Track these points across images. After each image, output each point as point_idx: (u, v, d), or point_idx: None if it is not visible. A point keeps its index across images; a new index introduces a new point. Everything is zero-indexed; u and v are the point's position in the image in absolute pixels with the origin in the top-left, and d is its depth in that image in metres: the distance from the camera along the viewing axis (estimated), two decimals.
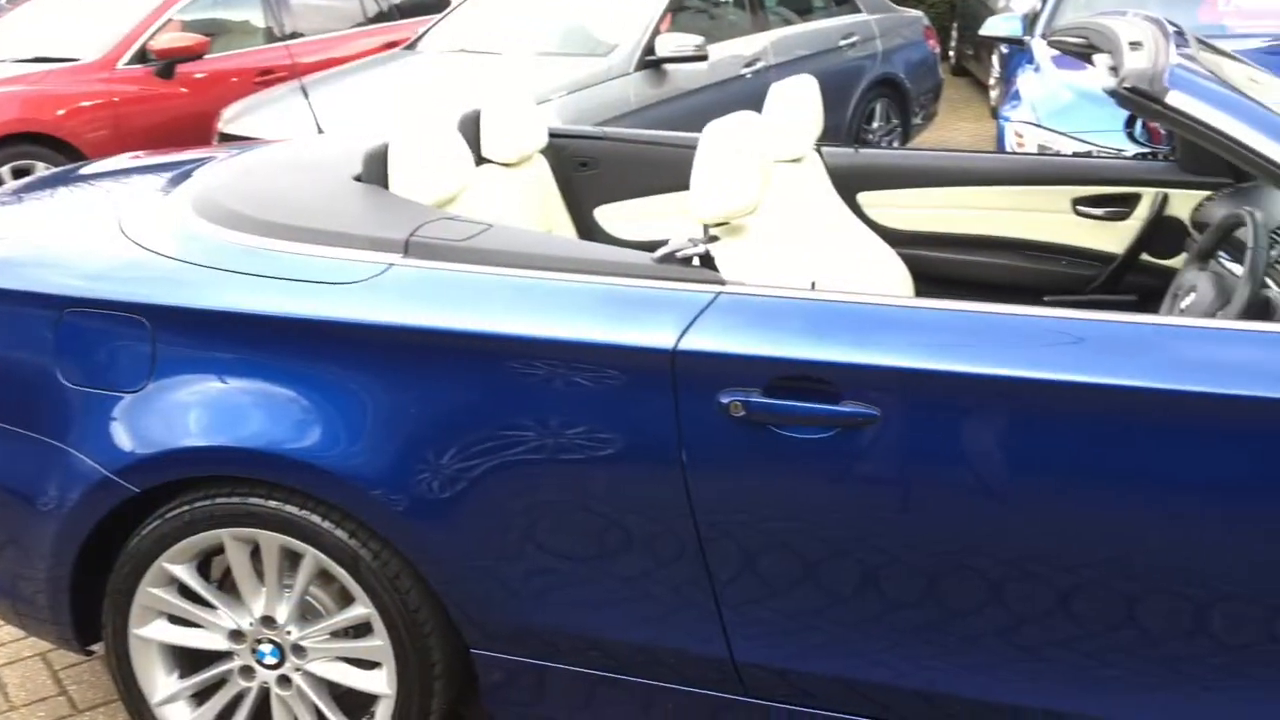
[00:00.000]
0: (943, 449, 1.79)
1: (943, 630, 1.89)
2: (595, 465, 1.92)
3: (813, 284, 2.58)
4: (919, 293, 3.03)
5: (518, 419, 1.94)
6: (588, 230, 3.29)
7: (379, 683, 2.17)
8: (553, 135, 3.21)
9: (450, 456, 1.97)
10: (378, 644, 2.13)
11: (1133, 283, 3.07)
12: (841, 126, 6.87)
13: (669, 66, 5.62)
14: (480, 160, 2.91)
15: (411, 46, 6.34)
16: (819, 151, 3.16)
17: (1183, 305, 2.32)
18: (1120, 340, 1.77)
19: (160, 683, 2.29)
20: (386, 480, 1.99)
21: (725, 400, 1.84)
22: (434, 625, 2.11)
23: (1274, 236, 2.34)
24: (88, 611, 2.29)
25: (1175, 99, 1.84)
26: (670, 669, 2.05)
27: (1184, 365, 1.73)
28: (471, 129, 2.91)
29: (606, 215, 3.28)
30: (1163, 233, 3.02)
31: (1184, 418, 1.72)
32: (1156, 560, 1.76)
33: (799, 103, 2.99)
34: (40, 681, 2.75)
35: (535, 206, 2.99)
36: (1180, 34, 2.34)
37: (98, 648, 2.39)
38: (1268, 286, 2.12)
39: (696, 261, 2.03)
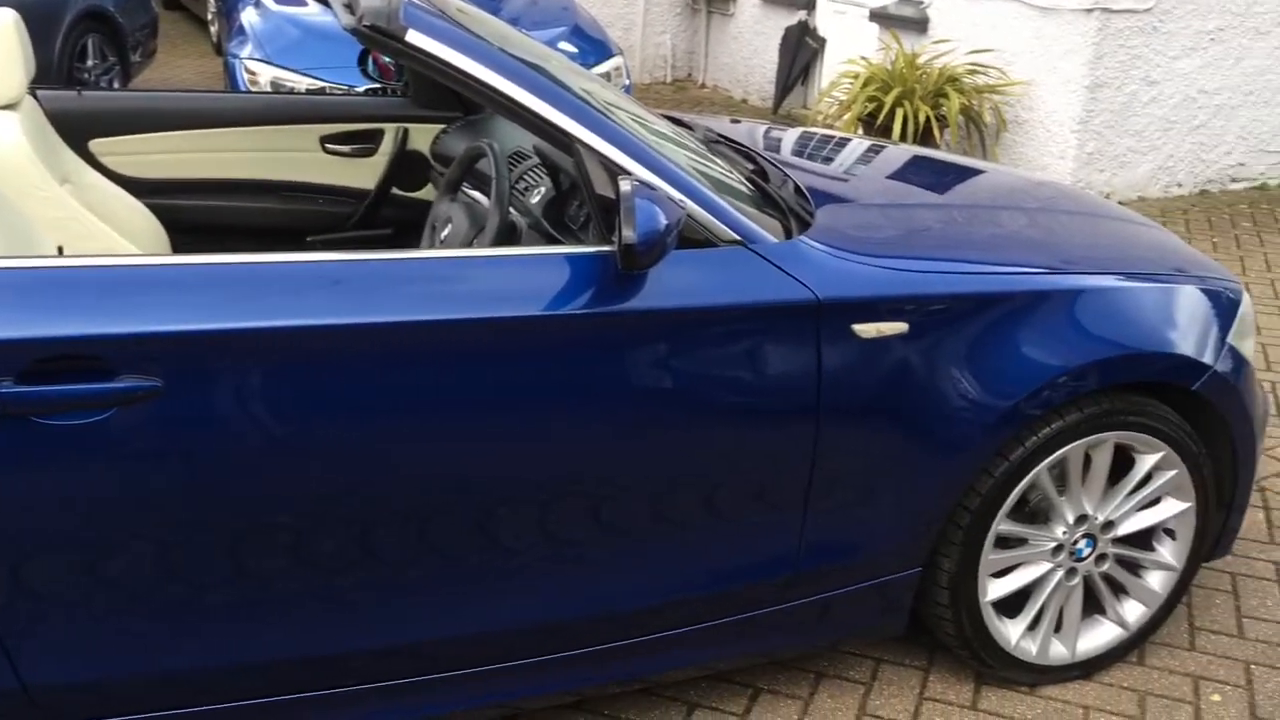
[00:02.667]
0: (233, 410, 1.70)
1: (249, 598, 1.81)
2: None
3: (60, 249, 2.28)
4: (176, 246, 2.84)
5: None
6: None
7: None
8: None
9: None
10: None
11: (388, 215, 3.17)
12: (50, 65, 6.17)
13: None
14: None
15: None
16: (34, 95, 2.79)
17: (442, 236, 2.44)
18: (379, 278, 1.80)
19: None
20: None
21: None
22: None
23: (511, 163, 2.54)
24: None
25: (414, 37, 1.89)
26: None
27: (446, 296, 1.81)
28: None
29: None
30: (408, 166, 3.15)
31: (449, 345, 1.81)
32: (439, 480, 1.85)
33: None
34: None
35: None
36: None
37: None
38: (510, 212, 2.30)
39: None
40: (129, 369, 1.63)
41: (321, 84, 4.89)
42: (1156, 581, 2.50)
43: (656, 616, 2.13)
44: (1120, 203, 5.29)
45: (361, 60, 4.35)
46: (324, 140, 3.08)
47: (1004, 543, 2.36)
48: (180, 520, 1.72)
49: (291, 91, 4.85)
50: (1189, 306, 2.37)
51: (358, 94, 4.26)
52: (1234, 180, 6.25)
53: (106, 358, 1.62)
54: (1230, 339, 2.38)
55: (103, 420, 1.63)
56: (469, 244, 2.31)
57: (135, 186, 2.87)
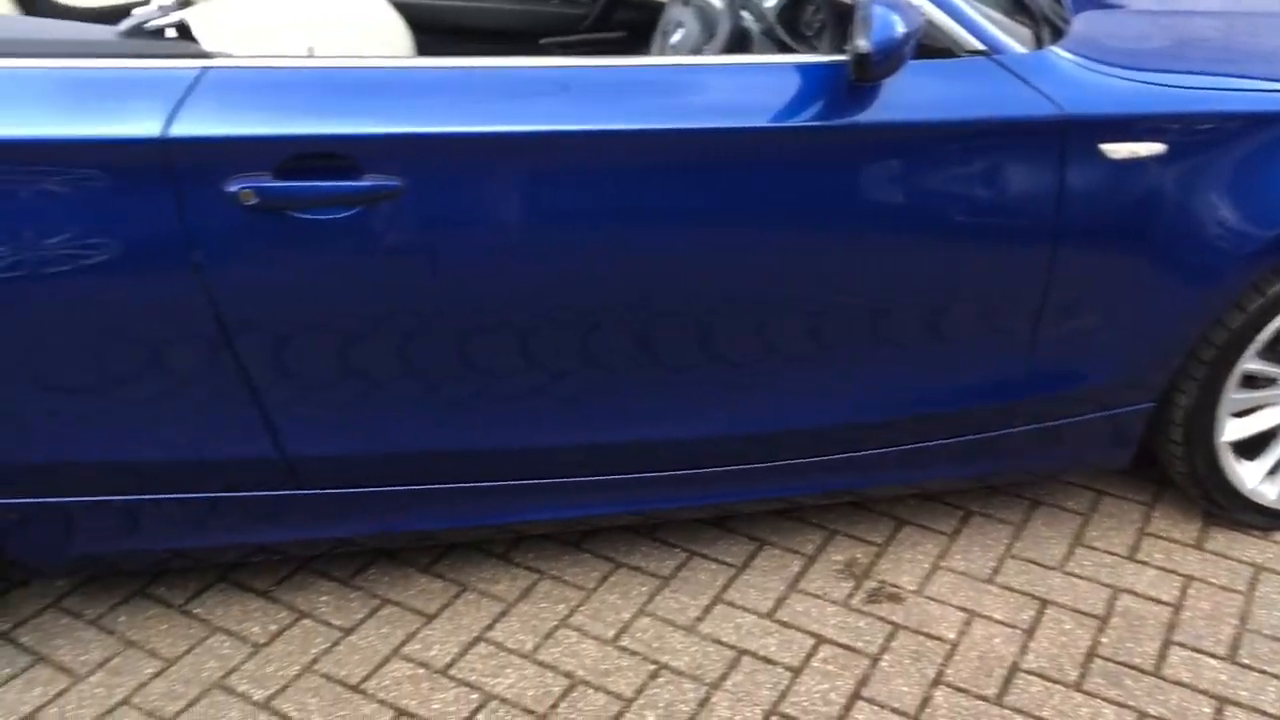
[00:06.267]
0: (468, 213, 1.77)
1: (474, 391, 1.92)
2: (90, 280, 1.69)
3: (310, 50, 2.38)
4: (420, 48, 2.91)
5: None
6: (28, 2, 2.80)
7: None
8: None
9: None
10: None
11: (622, 18, 3.14)
12: None
13: None
14: None
15: None
16: None
17: (672, 41, 2.41)
18: (605, 84, 1.80)
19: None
20: None
21: (233, 189, 1.68)
22: None
23: None
24: None
25: None
26: (221, 479, 1.94)
27: (671, 105, 1.80)
28: None
29: None
30: None
31: (673, 154, 1.80)
32: (666, 289, 1.88)
33: None
34: None
35: None
36: None
37: None
38: (742, 18, 2.24)
39: (172, 33, 1.79)
40: (374, 168, 1.71)
41: None
42: None
43: (875, 433, 2.14)
44: None
45: None
46: None
47: (1250, 382, 2.23)
48: (417, 314, 1.82)
49: None
50: None
51: None
52: None
53: (354, 157, 1.70)
54: None
55: (349, 217, 1.73)
56: (698, 50, 2.27)
57: None
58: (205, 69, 1.71)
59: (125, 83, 1.68)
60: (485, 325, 1.86)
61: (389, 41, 2.79)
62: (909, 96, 1.85)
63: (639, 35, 3.13)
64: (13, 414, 1.80)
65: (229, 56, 1.74)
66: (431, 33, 3.02)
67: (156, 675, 2.08)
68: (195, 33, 1.85)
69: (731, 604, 2.24)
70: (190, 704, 2.02)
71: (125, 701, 2.02)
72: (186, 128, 1.65)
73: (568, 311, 1.87)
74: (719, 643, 2.15)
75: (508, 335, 1.88)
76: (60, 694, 2.04)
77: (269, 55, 1.76)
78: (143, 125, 1.64)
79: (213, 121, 1.66)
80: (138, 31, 1.76)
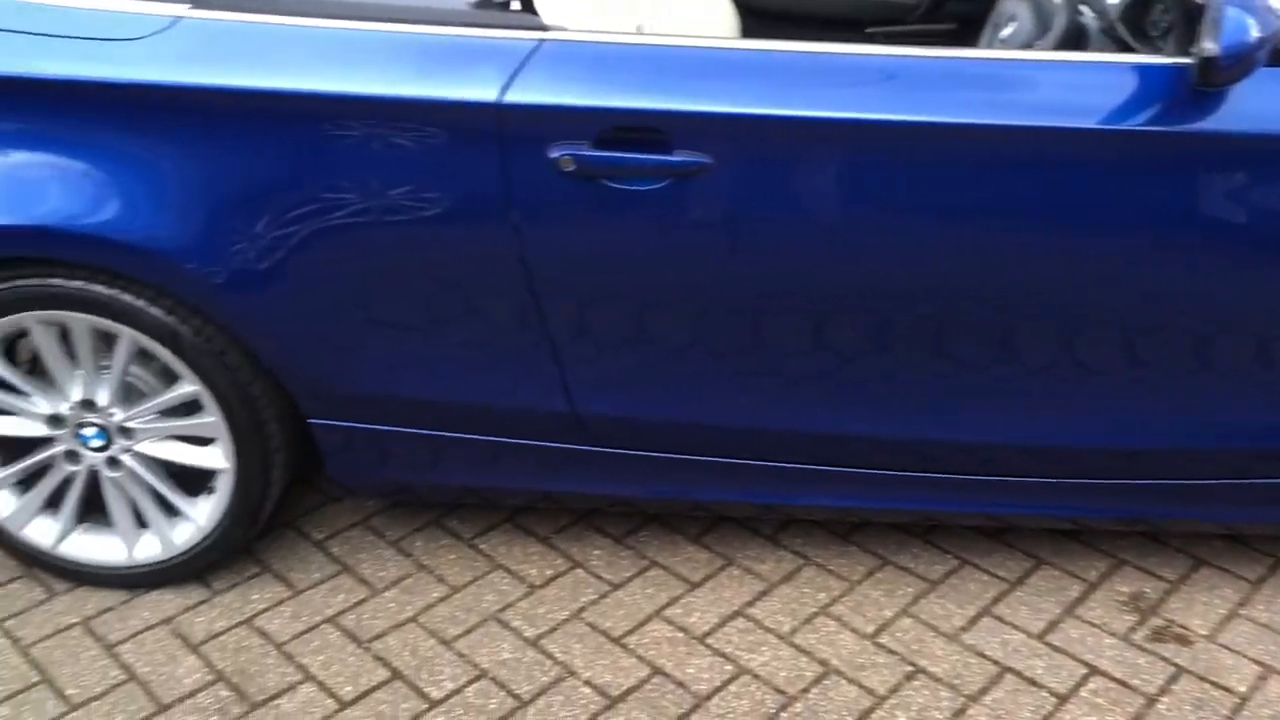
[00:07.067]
0: (775, 194, 1.79)
1: (770, 372, 1.95)
2: (422, 229, 1.85)
3: (639, 27, 2.47)
4: (745, 32, 2.96)
5: (334, 182, 1.83)
6: None
7: (216, 458, 2.13)
8: None
9: (266, 225, 1.86)
10: (210, 420, 2.07)
11: (954, 10, 3.06)
12: None
13: None
14: None
15: None
16: None
17: (1003, 35, 2.33)
18: (933, 75, 1.77)
19: None
20: (200, 251, 1.88)
21: (555, 155, 1.78)
22: (268, 398, 2.06)
23: None
24: None
25: None
26: (515, 425, 2.07)
27: (999, 100, 1.75)
28: None
29: None
30: None
31: (1000, 151, 1.75)
32: (973, 289, 1.84)
33: None
34: None
35: None
36: None
37: None
38: (1081, 13, 2.14)
39: (515, 5, 1.91)
40: (685, 144, 1.77)
41: None
42: None
43: (1188, 462, 2.01)
44: None
45: None
46: None
47: None
48: (715, 290, 1.87)
49: None
50: None
51: None
52: None
53: (668, 131, 1.76)
54: None
55: (660, 189, 1.80)
56: (1030, 45, 2.19)
57: None
58: (542, 41, 1.81)
59: (471, 49, 1.81)
60: (782, 307, 1.88)
61: (716, 24, 2.85)
62: (1258, 106, 1.71)
63: (969, 28, 3.04)
64: (347, 345, 1.99)
65: (564, 30, 1.83)
66: (759, 17, 3.06)
67: (442, 600, 2.25)
68: (536, 5, 1.96)
69: (1000, 619, 2.17)
70: (468, 630, 2.17)
71: (413, 619, 2.20)
72: (519, 95, 1.76)
73: (867, 301, 1.86)
74: (982, 655, 2.09)
75: (804, 318, 1.89)
76: (359, 603, 2.24)
77: (601, 31, 1.85)
78: (481, 90, 1.77)
79: (543, 90, 1.77)
80: (486, 3, 1.89)
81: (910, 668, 2.06)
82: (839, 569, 2.30)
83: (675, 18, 2.60)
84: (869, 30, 3.07)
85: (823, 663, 2.08)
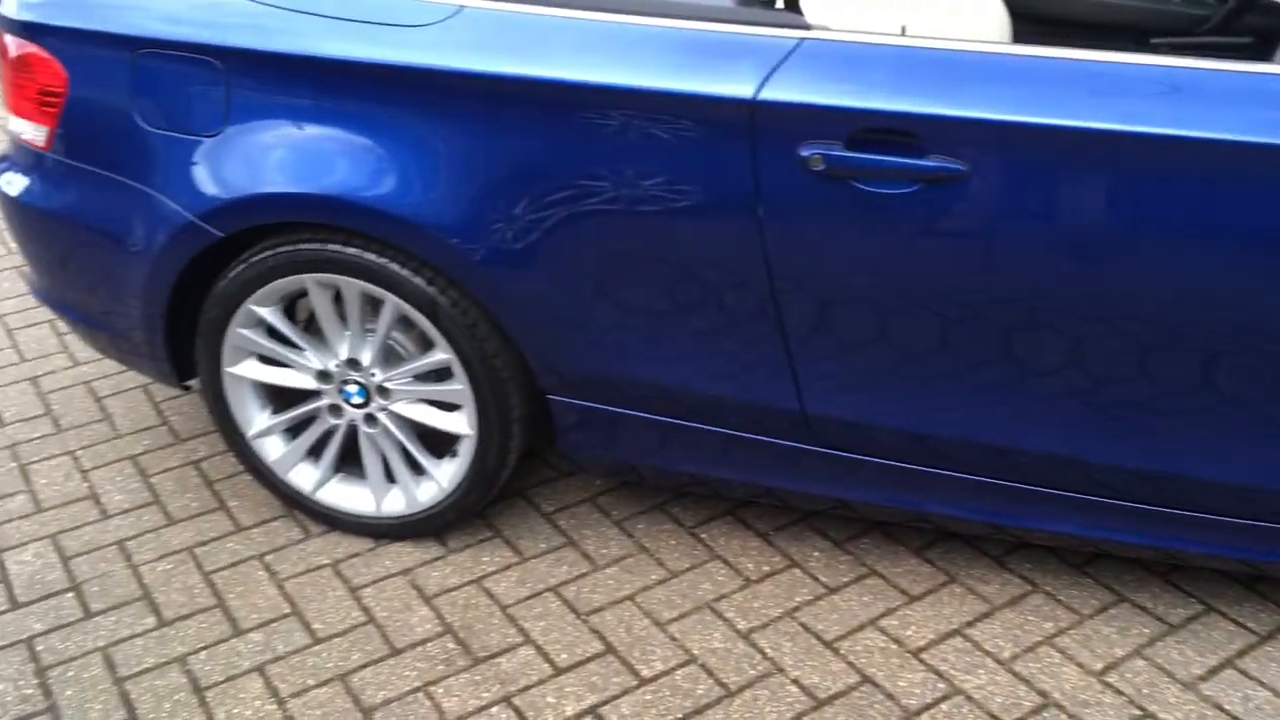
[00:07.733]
0: (1032, 206, 1.73)
1: (1014, 388, 1.88)
2: (671, 218, 1.89)
3: (903, 28, 2.44)
4: (1018, 36, 2.86)
5: (591, 170, 1.90)
6: None
7: (460, 424, 2.25)
8: None
9: (525, 206, 1.96)
10: (458, 388, 2.19)
11: (1253, 23, 2.86)
12: None
13: None
14: None
15: None
16: None
17: None
18: (1226, 91, 1.66)
19: (255, 418, 2.41)
20: (463, 228, 1.99)
21: (805, 153, 1.78)
22: (511, 371, 2.16)
23: None
24: (183, 349, 2.38)
25: None
26: (742, 419, 2.09)
27: None
28: None
29: None
30: None
31: None
32: (1249, 318, 1.72)
33: None
34: (143, 412, 2.91)
35: None
36: None
37: (194, 383, 2.50)
38: None
39: (780, 3, 1.93)
40: (940, 149, 1.74)
41: None
42: None
43: None
44: None
45: None
46: None
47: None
48: (959, 299, 1.83)
49: None
50: None
51: None
52: None
53: (922, 135, 1.74)
54: None
55: (910, 193, 1.77)
56: None
57: None
58: (803, 39, 1.82)
59: (733, 46, 1.84)
60: (1029, 323, 1.82)
61: (985, 26, 2.77)
62: None
63: (1267, 43, 2.83)
64: (588, 326, 2.06)
65: (826, 29, 1.84)
66: (1033, 22, 2.95)
67: (660, 583, 2.30)
68: (801, 4, 1.97)
69: (1245, 673, 2.03)
70: (682, 615, 2.21)
71: (630, 598, 2.26)
72: (775, 92, 1.78)
73: (1127, 324, 1.77)
74: (1220, 709, 1.96)
75: (1051, 336, 1.82)
76: (580, 576, 2.32)
77: (863, 31, 1.84)
78: (738, 86, 1.79)
79: (799, 88, 1.78)
80: (753, 0, 1.91)
81: (1138, 712, 1.96)
82: (1069, 600, 2.21)
83: (942, 20, 2.55)
84: (1154, 41, 2.91)
85: (1042, 694, 2.00)
